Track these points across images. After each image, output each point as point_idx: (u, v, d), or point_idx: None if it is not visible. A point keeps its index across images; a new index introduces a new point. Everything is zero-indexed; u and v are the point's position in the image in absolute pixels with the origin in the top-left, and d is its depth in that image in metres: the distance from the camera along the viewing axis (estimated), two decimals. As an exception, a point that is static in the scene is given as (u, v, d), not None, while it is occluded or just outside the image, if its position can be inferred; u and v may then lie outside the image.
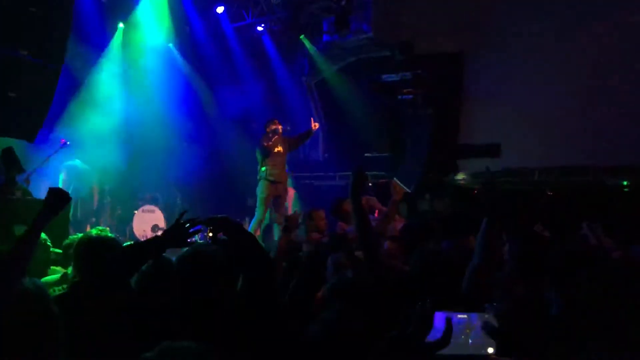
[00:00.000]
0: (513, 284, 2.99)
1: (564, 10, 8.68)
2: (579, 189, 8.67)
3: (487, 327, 1.37)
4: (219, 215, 2.57)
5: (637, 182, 8.32)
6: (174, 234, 2.67)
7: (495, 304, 1.43)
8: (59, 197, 2.51)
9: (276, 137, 7.48)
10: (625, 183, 8.43)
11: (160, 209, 9.82)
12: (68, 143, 7.73)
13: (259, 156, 7.69)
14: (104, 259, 2.75)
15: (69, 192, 7.24)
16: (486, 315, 1.40)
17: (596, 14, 8.52)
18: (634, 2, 8.30)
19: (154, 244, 2.75)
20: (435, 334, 1.34)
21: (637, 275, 3.41)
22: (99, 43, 9.37)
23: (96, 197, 9.19)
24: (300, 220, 4.38)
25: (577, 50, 8.62)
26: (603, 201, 8.02)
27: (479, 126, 9.64)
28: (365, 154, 10.66)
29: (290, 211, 8.04)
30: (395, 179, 7.82)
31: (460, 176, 10.00)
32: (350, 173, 3.41)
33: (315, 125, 7.67)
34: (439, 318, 1.36)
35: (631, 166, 8.25)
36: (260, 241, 5.57)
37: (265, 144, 7.44)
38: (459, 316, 1.40)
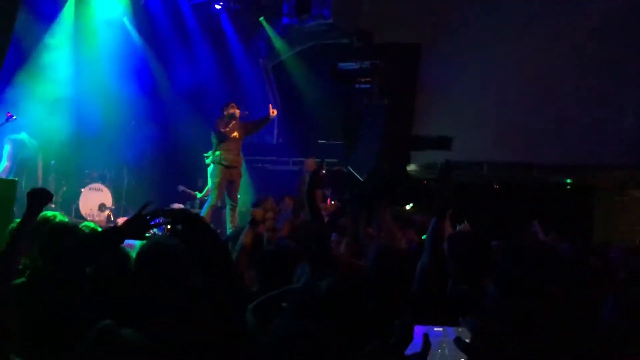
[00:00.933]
0: (454, 284, 3.06)
1: (521, 7, 8.89)
2: (525, 184, 8.99)
3: (458, 342, 1.42)
4: (178, 207, 2.56)
5: (580, 181, 8.70)
6: (135, 225, 2.63)
7: (469, 318, 1.48)
8: (42, 197, 2.54)
9: (233, 122, 7.37)
10: (568, 181, 8.80)
11: (107, 188, 9.58)
12: (14, 117, 7.41)
13: (214, 140, 7.57)
14: (63, 247, 2.69)
15: (14, 165, 6.90)
16: (460, 329, 1.46)
17: (553, 11, 8.76)
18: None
19: (113, 235, 2.70)
20: (412, 348, 1.38)
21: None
22: (49, 14, 8.96)
23: (40, 173, 8.84)
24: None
25: (532, 48, 8.86)
26: (546, 198, 8.36)
27: (432, 118, 9.81)
28: (319, 141, 10.69)
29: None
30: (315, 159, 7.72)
31: (411, 167, 10.18)
32: (303, 159, 3.44)
33: (273, 112, 7.59)
34: (417, 331, 1.40)
35: (575, 165, 8.61)
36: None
37: (222, 129, 7.33)
38: (436, 329, 1.45)
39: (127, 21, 10.20)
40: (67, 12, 9.26)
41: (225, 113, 7.43)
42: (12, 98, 8.07)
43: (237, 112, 7.40)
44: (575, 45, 8.53)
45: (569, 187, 8.94)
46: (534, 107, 8.76)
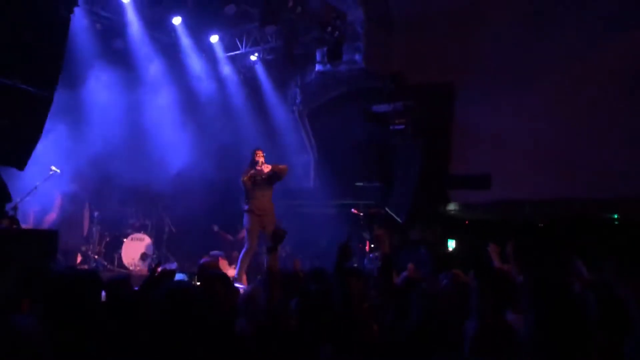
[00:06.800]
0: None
1: (553, 46, 8.81)
2: (569, 221, 8.69)
3: None
4: None
5: (628, 215, 8.35)
6: None
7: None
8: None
9: (255, 171, 7.28)
10: (615, 216, 8.46)
11: (149, 237, 9.70)
12: (58, 171, 7.64)
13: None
14: None
15: (60, 217, 6.96)
16: None
17: (586, 46, 8.64)
18: (623, 42, 8.39)
19: None
20: None
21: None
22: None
23: (86, 224, 9.06)
24: None
25: (568, 83, 8.73)
26: (594, 234, 8.04)
27: (469, 157, 9.69)
28: (356, 183, 10.67)
29: None
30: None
31: (451, 206, 10.02)
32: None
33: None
34: None
35: (621, 199, 8.29)
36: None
37: (244, 178, 7.29)
38: None
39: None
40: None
41: (251, 160, 7.40)
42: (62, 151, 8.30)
43: (262, 159, 7.30)
44: (611, 77, 8.34)
45: (616, 222, 8.59)
46: (573, 140, 8.55)
